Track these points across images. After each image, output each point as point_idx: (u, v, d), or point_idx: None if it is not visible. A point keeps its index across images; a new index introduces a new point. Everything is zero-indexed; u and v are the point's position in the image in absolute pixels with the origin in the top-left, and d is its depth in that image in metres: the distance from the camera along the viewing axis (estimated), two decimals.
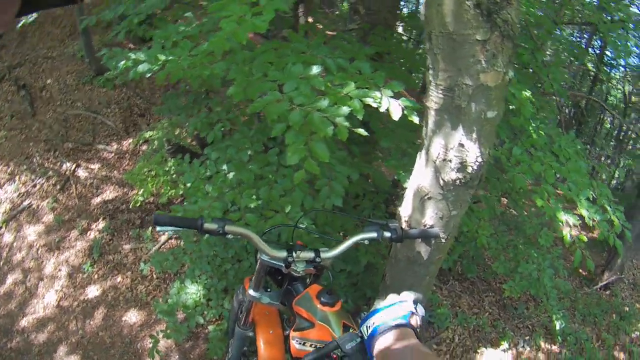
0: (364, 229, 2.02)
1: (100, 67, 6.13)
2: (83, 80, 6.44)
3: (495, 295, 4.86)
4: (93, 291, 4.17)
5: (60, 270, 4.39)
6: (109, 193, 5.16)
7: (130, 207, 4.66)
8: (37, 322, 3.97)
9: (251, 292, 2.11)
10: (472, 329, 4.21)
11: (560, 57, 5.16)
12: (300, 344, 1.79)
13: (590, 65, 10.16)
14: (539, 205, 2.64)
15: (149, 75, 2.32)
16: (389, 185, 3.61)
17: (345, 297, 3.33)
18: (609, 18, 3.19)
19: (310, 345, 1.75)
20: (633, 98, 11.98)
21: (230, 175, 2.65)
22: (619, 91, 12.78)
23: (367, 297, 3.41)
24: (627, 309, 5.89)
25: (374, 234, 1.99)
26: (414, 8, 10.64)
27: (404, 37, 6.19)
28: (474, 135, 1.81)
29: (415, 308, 1.45)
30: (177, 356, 3.57)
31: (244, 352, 2.53)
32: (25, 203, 5.04)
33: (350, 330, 1.68)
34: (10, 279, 4.41)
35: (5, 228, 4.87)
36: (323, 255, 1.92)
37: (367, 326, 1.42)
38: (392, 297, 1.50)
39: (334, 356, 1.52)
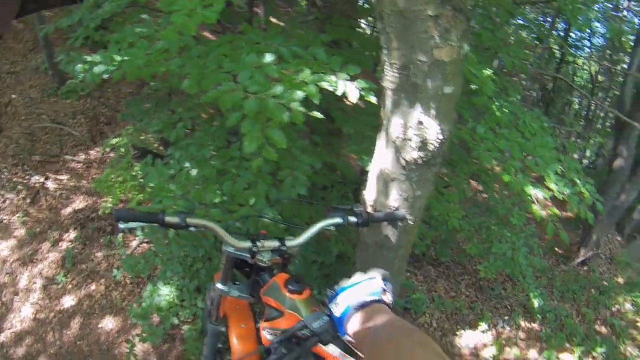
0: (329, 214, 2.00)
1: (63, 79, 6.08)
2: (47, 92, 6.40)
3: (471, 277, 4.90)
4: (68, 301, 4.11)
5: (34, 282, 4.33)
6: (79, 203, 5.10)
7: (100, 214, 4.61)
8: (15, 337, 3.90)
9: (219, 285, 2.08)
10: (449, 312, 4.24)
11: (521, 36, 5.18)
12: (271, 334, 1.77)
13: (555, 47, 10.28)
14: (506, 181, 2.63)
15: (106, 76, 2.32)
16: (356, 174, 3.60)
17: (318, 288, 3.31)
18: None
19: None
20: (600, 77, 12.17)
21: (194, 172, 2.61)
22: (585, 72, 12.98)
23: None
24: (605, 283, 5.98)
25: (339, 220, 1.97)
26: None
27: (363, 25, 6.17)
28: (433, 112, 1.80)
29: (385, 285, 1.42)
30: (155, 359, 3.52)
31: (218, 349, 2.49)
32: None
33: None
34: None
35: None
36: (288, 243, 1.90)
37: (336, 304, 1.40)
38: (359, 276, 1.47)
39: (303, 337, 1.49)
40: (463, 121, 2.80)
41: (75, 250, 4.50)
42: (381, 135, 2.01)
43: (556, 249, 6.65)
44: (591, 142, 11.68)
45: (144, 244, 4.43)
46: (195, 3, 1.88)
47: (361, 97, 1.98)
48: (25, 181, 5.32)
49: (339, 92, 1.95)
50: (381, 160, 2.00)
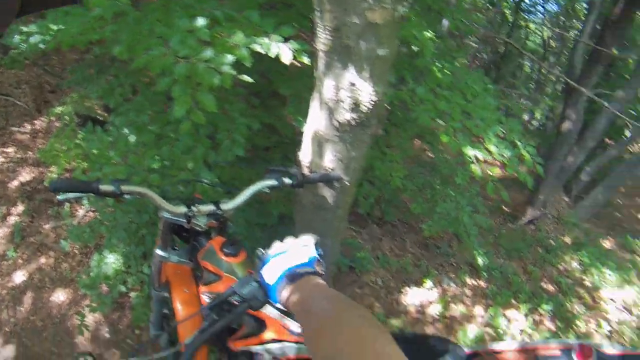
0: (264, 176, 2.00)
1: (7, 49, 5.86)
2: None
3: (417, 236, 4.95)
4: (19, 276, 4.03)
5: None
6: (26, 175, 4.96)
7: (47, 185, 4.50)
8: None
9: (159, 252, 2.08)
10: (395, 270, 4.29)
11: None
12: (210, 298, 1.78)
13: (508, 11, 10.37)
14: (445, 141, 2.67)
15: (42, 46, 2.28)
16: (294, 134, 3.60)
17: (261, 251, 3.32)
18: None
19: None
20: (552, 43, 12.35)
21: (132, 138, 2.58)
22: (538, 37, 13.16)
23: None
24: (552, 242, 6.11)
25: (274, 182, 1.97)
26: None
27: None
28: (366, 74, 1.81)
29: (318, 253, 1.39)
30: (107, 328, 3.51)
31: (164, 314, 2.49)
32: None
33: None
34: None
35: None
36: (223, 206, 1.90)
37: (267, 271, 1.36)
38: (291, 241, 1.45)
39: (235, 302, 1.50)
40: (405, 83, 2.82)
41: (24, 224, 4.39)
42: (315, 97, 2.01)
43: (504, 207, 6.79)
44: (542, 105, 11.91)
45: (91, 213, 4.37)
46: None
47: (295, 59, 1.98)
48: None
49: (271, 54, 1.95)
50: (315, 122, 2.01)
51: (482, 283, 4.53)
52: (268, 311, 1.63)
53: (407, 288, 4.13)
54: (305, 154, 2.13)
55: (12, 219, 4.50)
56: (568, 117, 6.38)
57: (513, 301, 4.46)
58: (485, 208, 4.65)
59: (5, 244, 4.31)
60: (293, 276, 1.27)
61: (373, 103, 1.86)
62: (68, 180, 1.75)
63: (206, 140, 2.48)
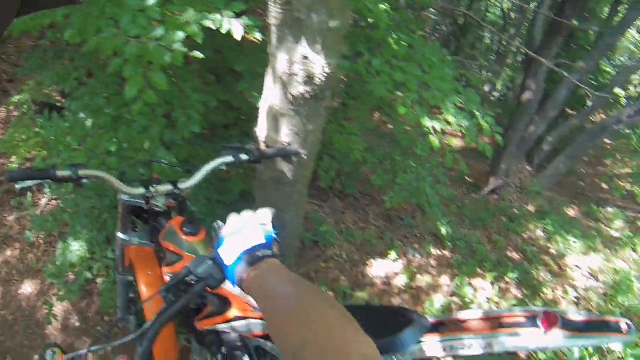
0: (220, 154, 1.99)
1: None
2: None
3: (380, 208, 4.97)
4: None
5: None
6: None
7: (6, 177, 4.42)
8: None
9: (120, 235, 2.08)
10: (359, 243, 4.33)
11: None
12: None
13: None
14: (402, 113, 2.70)
15: None
16: (252, 110, 3.58)
17: None
18: None
19: None
20: (512, 15, 12.44)
21: (89, 122, 2.55)
22: (498, 8, 13.25)
23: None
24: (516, 211, 6.18)
25: (230, 158, 1.97)
26: None
27: None
28: (318, 47, 1.82)
29: (275, 233, 1.32)
30: (76, 317, 3.49)
31: (131, 298, 2.49)
32: None
33: None
34: None
35: None
36: (181, 185, 1.90)
37: (223, 250, 1.29)
38: (248, 215, 1.37)
39: (192, 282, 1.48)
40: (361, 55, 2.83)
41: None
42: (269, 72, 2.02)
43: (467, 178, 6.86)
44: (502, 76, 12.04)
45: (53, 201, 4.31)
46: None
47: (247, 34, 1.98)
48: None
49: (223, 30, 1.95)
50: (270, 96, 2.02)
51: (447, 253, 4.59)
52: (231, 289, 1.64)
53: (372, 260, 4.17)
54: (261, 130, 2.14)
55: None
56: (528, 88, 6.46)
57: (479, 270, 4.50)
58: (448, 179, 4.65)
59: None
60: (252, 259, 1.20)
61: (326, 75, 1.87)
62: (25, 170, 1.73)
63: (162, 119, 2.47)
